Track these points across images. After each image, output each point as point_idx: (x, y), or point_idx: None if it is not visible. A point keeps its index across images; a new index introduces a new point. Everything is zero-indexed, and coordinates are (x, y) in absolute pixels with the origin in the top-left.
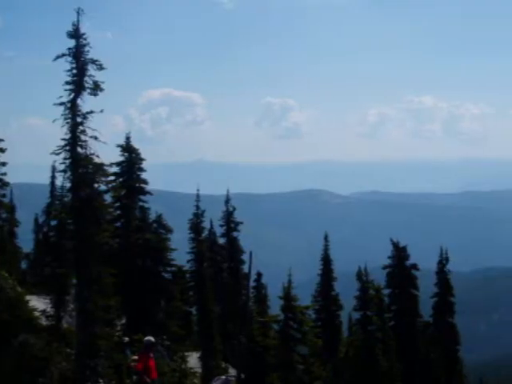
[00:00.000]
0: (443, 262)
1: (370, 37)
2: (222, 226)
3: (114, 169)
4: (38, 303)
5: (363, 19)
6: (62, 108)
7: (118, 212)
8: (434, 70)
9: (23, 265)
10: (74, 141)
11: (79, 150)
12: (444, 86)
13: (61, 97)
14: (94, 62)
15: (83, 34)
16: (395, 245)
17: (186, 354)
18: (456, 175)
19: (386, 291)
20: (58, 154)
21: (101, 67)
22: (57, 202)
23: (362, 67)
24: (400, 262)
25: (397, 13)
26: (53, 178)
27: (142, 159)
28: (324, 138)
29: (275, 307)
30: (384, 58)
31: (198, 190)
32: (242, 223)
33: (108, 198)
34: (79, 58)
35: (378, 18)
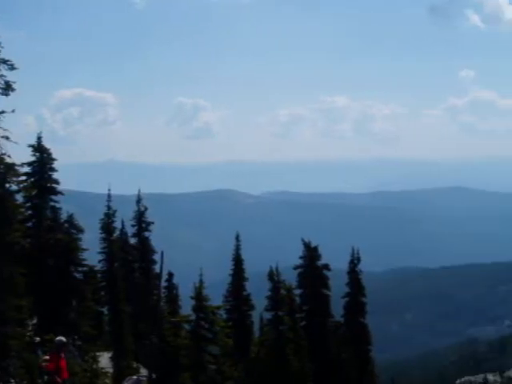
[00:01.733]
0: (354, 261)
1: (282, 36)
2: (133, 225)
3: (26, 169)
4: None
5: (275, 18)
6: None
7: (30, 212)
8: (346, 70)
9: None
10: None
11: None
12: (357, 86)
13: None
14: (5, 61)
15: None
16: (306, 245)
17: (98, 354)
18: (368, 175)
19: (298, 291)
20: None
21: (12, 67)
22: None
23: (275, 67)
24: (311, 262)
25: (308, 12)
26: None
27: (53, 159)
28: (236, 138)
29: (187, 307)
30: (296, 57)
31: (109, 190)
32: (153, 223)
33: (19, 198)
34: None
35: (290, 17)
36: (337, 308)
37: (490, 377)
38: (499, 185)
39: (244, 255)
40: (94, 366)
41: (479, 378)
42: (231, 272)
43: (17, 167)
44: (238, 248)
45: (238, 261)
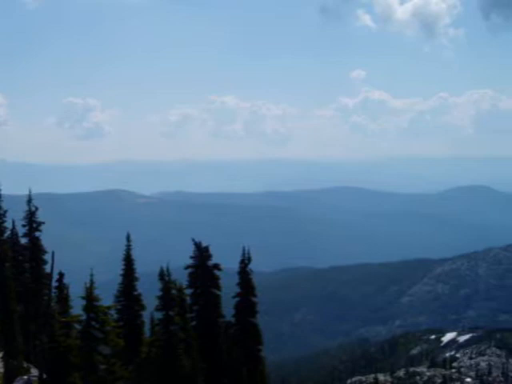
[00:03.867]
0: (245, 261)
1: (173, 36)
2: (24, 226)
3: None
4: None
5: (166, 19)
6: None
7: None
8: (236, 70)
9: None
10: None
11: None
12: (247, 86)
13: None
14: None
15: None
16: (197, 244)
17: None
18: (259, 175)
19: (189, 291)
20: None
21: None
22: None
23: (165, 66)
24: (202, 262)
25: (199, 13)
26: None
27: None
28: (127, 138)
29: (77, 307)
30: (186, 57)
31: None
32: (44, 223)
33: None
34: None
35: (180, 17)
36: (228, 308)
37: (381, 377)
38: (390, 184)
39: (135, 255)
40: None
41: (370, 377)
42: (122, 272)
43: None
44: (128, 248)
45: (128, 261)
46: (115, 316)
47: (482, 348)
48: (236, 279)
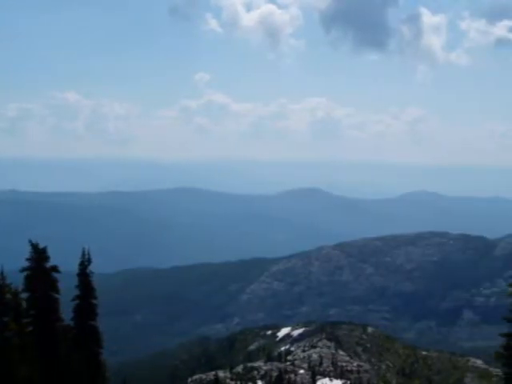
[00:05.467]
0: (85, 263)
1: (14, 27)
2: None
3: None
4: None
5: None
6: None
7: None
8: (79, 66)
9: None
10: None
11: None
12: (90, 83)
13: None
14: None
15: None
16: (34, 246)
17: None
18: (99, 175)
19: (25, 295)
20: None
21: None
22: None
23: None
24: (39, 264)
25: (41, 7)
26: None
27: None
28: None
29: None
30: (25, 49)
31: None
32: None
33: None
34: None
35: (21, 8)
36: (68, 311)
37: (221, 373)
38: (230, 186)
39: None
40: None
41: (210, 375)
42: None
43: None
44: None
45: None
46: None
47: (314, 341)
48: (76, 281)
